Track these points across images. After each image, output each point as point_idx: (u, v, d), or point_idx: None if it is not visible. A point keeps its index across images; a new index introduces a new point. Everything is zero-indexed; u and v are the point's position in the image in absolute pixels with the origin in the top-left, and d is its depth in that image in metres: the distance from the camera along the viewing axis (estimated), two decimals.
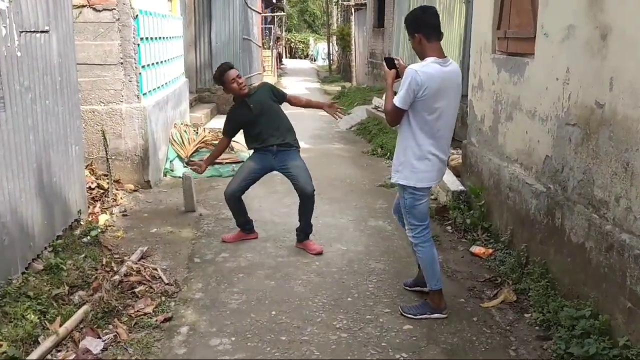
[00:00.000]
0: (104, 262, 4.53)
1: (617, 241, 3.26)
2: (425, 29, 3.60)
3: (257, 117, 4.99)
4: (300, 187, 4.95)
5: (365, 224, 5.77)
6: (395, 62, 3.88)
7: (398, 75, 3.80)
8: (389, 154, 8.84)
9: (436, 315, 3.89)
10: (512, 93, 4.90)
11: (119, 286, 4.15)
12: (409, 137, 3.67)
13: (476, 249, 4.99)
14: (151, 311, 3.90)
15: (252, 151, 5.20)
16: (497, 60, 5.26)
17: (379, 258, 4.90)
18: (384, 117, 3.89)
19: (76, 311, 3.67)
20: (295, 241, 5.16)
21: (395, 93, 3.67)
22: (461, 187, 5.95)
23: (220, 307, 4.02)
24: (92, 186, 6.15)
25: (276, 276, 4.52)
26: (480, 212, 5.39)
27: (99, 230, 5.06)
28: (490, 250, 4.92)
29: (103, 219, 5.58)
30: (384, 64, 3.91)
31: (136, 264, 4.61)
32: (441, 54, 3.64)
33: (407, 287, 4.32)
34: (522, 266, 4.45)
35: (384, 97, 3.82)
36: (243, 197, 5.17)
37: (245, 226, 5.34)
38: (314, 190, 4.98)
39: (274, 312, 3.93)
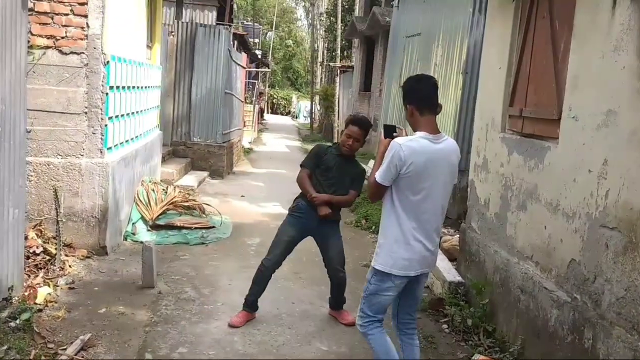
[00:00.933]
0: (32, 356, 3.70)
1: None
2: (418, 100, 3.27)
3: (333, 172, 4.64)
4: (331, 271, 4.79)
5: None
6: (397, 131, 3.35)
7: None
8: (374, 227, 8.17)
9: None
10: (526, 179, 4.30)
11: None
12: (390, 218, 3.27)
13: (480, 358, 4.26)
14: None
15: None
16: (509, 140, 4.68)
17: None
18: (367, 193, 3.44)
19: None
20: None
21: None
22: (459, 278, 5.27)
23: None
24: (37, 251, 5.33)
25: None
26: (482, 311, 4.69)
27: (34, 311, 4.22)
28: None
29: (44, 292, 4.74)
30: (382, 130, 3.40)
31: (72, 359, 3.78)
32: (434, 129, 3.26)
33: None
34: None
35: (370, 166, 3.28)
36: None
37: (254, 306, 4.77)
38: (344, 273, 4.80)
39: None
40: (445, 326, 4.89)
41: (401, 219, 3.23)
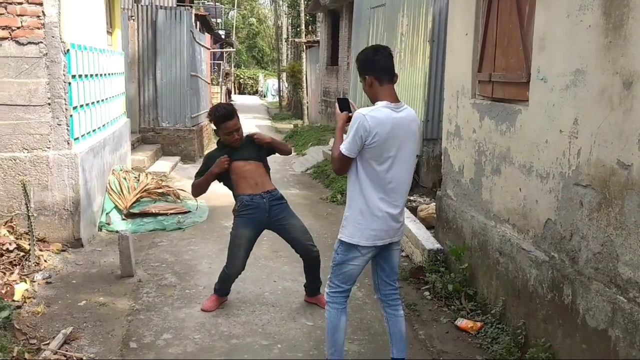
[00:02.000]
0: (14, 354, 3.64)
1: None
2: (377, 70, 3.26)
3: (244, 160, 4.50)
4: (302, 250, 4.54)
5: None
6: (350, 104, 3.39)
7: (350, 119, 3.28)
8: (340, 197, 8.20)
9: None
10: (499, 143, 4.33)
11: None
12: (355, 189, 3.26)
13: (463, 323, 4.33)
14: None
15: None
16: (479, 105, 4.70)
17: (352, 337, 4.16)
18: (331, 164, 3.39)
19: None
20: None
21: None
22: (438, 245, 5.32)
23: None
24: (10, 248, 5.23)
25: None
26: (463, 276, 4.75)
27: (12, 309, 4.14)
28: (479, 324, 4.27)
29: (21, 289, 4.66)
30: (337, 104, 3.44)
31: (56, 353, 3.74)
32: (394, 98, 3.27)
33: None
34: (521, 347, 3.80)
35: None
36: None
37: (226, 293, 4.71)
38: (318, 251, 4.57)
39: None
40: (427, 293, 4.94)
41: (366, 190, 3.23)
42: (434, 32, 7.76)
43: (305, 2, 22.99)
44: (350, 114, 3.30)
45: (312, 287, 4.70)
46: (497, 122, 4.35)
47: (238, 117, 4.49)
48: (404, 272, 5.37)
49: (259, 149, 4.58)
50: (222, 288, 4.63)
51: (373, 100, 3.30)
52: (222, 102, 25.91)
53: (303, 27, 22.76)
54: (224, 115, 4.42)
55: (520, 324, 3.85)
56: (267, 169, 4.65)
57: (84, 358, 3.72)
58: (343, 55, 15.12)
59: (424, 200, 7.44)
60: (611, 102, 3.02)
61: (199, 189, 4.58)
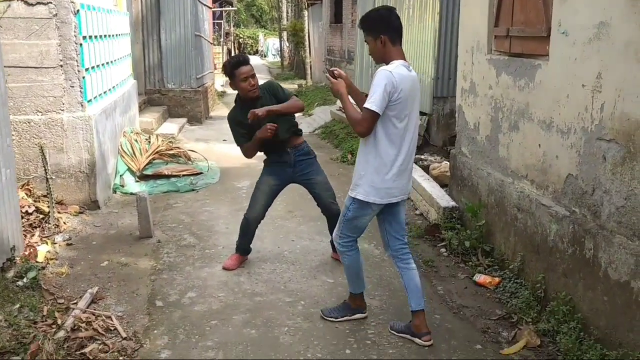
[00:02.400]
0: (45, 312, 3.72)
1: None
2: (391, 31, 3.34)
3: (263, 124, 4.31)
4: (323, 206, 4.63)
5: None
6: (335, 73, 3.50)
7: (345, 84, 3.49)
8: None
9: (357, 315, 3.82)
10: (517, 99, 4.32)
11: (65, 346, 3.36)
12: (372, 148, 3.35)
13: (481, 278, 4.40)
14: None
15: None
16: (496, 61, 4.67)
17: (373, 293, 4.23)
18: (353, 126, 3.40)
19: None
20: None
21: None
22: (453, 203, 5.36)
23: None
24: (30, 210, 5.27)
25: (256, 322, 3.79)
26: (479, 233, 4.80)
27: (38, 269, 4.21)
28: (497, 280, 4.34)
29: (43, 251, 4.72)
30: (328, 75, 3.52)
31: (85, 312, 3.81)
32: (404, 58, 3.40)
33: (394, 332, 3.68)
34: (540, 301, 3.87)
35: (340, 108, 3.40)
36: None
37: (247, 251, 4.77)
38: (339, 209, 4.40)
39: None
40: (443, 250, 5.01)
41: (382, 149, 3.31)
42: None
43: None
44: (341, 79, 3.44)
45: None
46: (515, 78, 4.33)
47: (252, 67, 4.37)
48: (419, 230, 5.43)
49: (280, 101, 4.40)
50: (243, 241, 4.67)
51: (383, 59, 3.36)
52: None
53: None
54: (237, 61, 4.31)
55: (539, 278, 3.91)
56: (293, 121, 4.54)
57: (113, 316, 3.80)
58: (347, 13, 14.90)
59: (435, 159, 7.47)
60: (637, 55, 3.00)
61: (249, 153, 4.50)
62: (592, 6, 3.38)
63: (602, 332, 3.29)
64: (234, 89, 4.43)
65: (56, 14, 5.49)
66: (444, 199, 5.47)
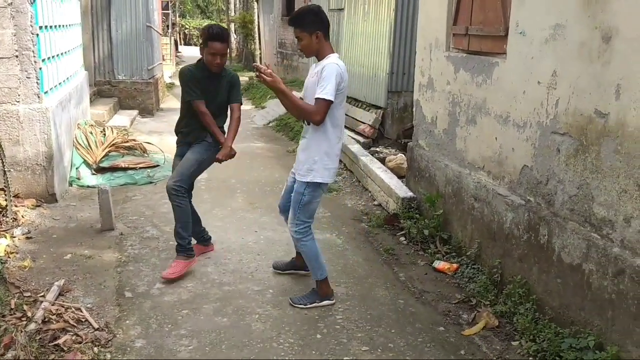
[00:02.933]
0: (12, 305, 3.69)
1: (631, 266, 2.95)
2: (324, 27, 3.69)
3: (209, 95, 4.31)
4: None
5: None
6: (263, 70, 3.61)
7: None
8: None
9: (325, 302, 3.97)
10: (475, 95, 4.54)
11: (38, 338, 3.36)
12: (322, 134, 3.70)
13: (440, 265, 4.61)
14: None
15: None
16: (454, 58, 4.88)
17: (339, 280, 4.38)
18: (309, 116, 3.68)
19: None
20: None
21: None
22: (411, 194, 5.56)
23: (169, 357, 3.34)
24: None
25: (227, 311, 3.88)
26: (437, 222, 5.01)
27: (2, 263, 4.16)
28: (455, 266, 4.56)
29: (3, 244, 4.65)
30: (259, 72, 3.62)
31: (54, 304, 3.80)
32: (334, 51, 3.79)
33: (278, 271, 4.41)
34: (497, 285, 4.11)
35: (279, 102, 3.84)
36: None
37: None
38: (176, 186, 4.24)
39: None
40: (402, 239, 5.20)
41: (330, 134, 3.71)
42: None
43: None
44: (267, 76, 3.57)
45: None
46: (473, 74, 4.55)
47: (229, 45, 4.30)
48: (379, 219, 5.61)
49: (228, 92, 4.38)
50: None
51: (315, 53, 3.70)
52: (174, 51, 25.26)
53: None
54: (217, 34, 4.17)
55: (495, 263, 4.15)
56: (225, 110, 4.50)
57: (83, 308, 3.80)
58: (300, 5, 14.95)
59: (390, 152, 7.67)
60: (590, 55, 3.24)
61: (201, 107, 4.33)
62: (549, 9, 3.60)
63: (555, 312, 3.54)
64: (201, 55, 4.32)
65: (11, 3, 5.37)
66: (402, 190, 5.66)
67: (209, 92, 4.32)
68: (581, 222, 3.36)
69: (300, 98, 3.81)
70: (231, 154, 4.39)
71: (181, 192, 4.28)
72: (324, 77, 3.54)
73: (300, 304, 3.94)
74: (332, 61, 3.60)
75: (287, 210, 4.00)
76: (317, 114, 3.58)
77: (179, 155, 4.51)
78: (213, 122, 4.36)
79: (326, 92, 3.52)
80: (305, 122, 3.79)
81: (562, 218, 3.51)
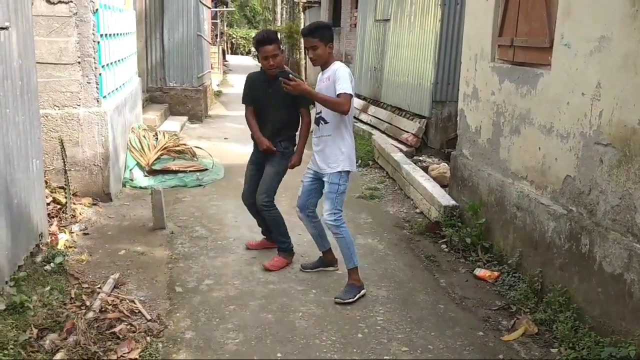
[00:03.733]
0: (72, 295, 3.94)
1: None
2: (333, 40, 4.23)
3: (268, 101, 4.60)
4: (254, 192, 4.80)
5: (355, 243, 5.32)
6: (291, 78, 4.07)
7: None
8: (360, 160, 8.46)
9: (363, 291, 4.26)
10: (519, 105, 4.60)
11: (96, 325, 3.58)
12: (344, 129, 4.18)
13: (481, 272, 4.67)
14: (137, 356, 3.35)
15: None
16: (499, 69, 4.95)
17: (379, 284, 4.50)
18: (338, 107, 4.06)
19: None
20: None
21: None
22: (453, 202, 5.63)
23: (217, 348, 3.51)
24: (48, 201, 5.46)
25: (272, 308, 4.04)
26: (479, 230, 5.07)
27: (64, 255, 4.42)
28: (496, 274, 4.61)
29: (62, 239, 4.93)
30: (283, 79, 4.04)
31: (110, 295, 4.03)
32: None
33: (307, 270, 4.66)
34: (537, 293, 4.15)
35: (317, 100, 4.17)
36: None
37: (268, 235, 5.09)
38: (265, 202, 4.66)
39: (279, 355, 3.47)
40: (444, 246, 5.28)
41: (349, 127, 4.21)
42: None
43: None
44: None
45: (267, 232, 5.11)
46: (518, 85, 4.61)
47: (279, 45, 4.50)
48: (421, 226, 5.70)
49: (294, 98, 4.41)
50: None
51: (324, 61, 4.15)
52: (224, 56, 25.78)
53: None
54: (261, 39, 4.44)
55: (536, 272, 4.19)
56: (290, 130, 4.72)
57: (136, 300, 4.02)
58: (346, 17, 15.17)
59: (433, 160, 7.75)
60: (635, 67, 3.29)
61: (247, 114, 4.77)
62: (594, 21, 3.66)
63: (596, 321, 3.57)
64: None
65: (76, 13, 5.70)
66: (444, 198, 5.74)
67: (268, 97, 4.57)
68: (623, 232, 3.39)
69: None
70: (299, 160, 4.71)
71: (270, 205, 4.70)
72: (339, 77, 4.01)
73: (348, 299, 4.13)
74: (342, 65, 4.11)
75: (307, 208, 4.45)
76: (345, 104, 4.01)
77: (252, 161, 4.84)
78: (256, 128, 4.69)
79: (346, 87, 3.97)
80: (322, 122, 4.19)
81: (603, 228, 3.55)
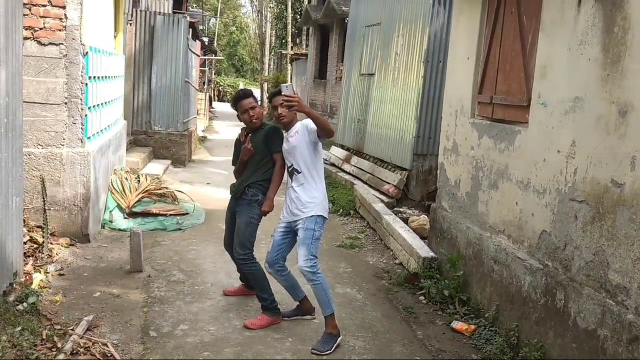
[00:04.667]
0: (44, 336, 3.86)
1: None
2: None
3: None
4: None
5: (333, 292, 5.32)
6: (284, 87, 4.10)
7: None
8: (341, 210, 8.52)
9: (339, 339, 4.23)
10: (497, 160, 4.71)
11: None
12: (316, 178, 4.31)
13: (458, 325, 4.67)
14: None
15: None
16: (479, 125, 5.09)
17: (357, 334, 4.47)
18: (330, 129, 4.25)
19: None
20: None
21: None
22: (432, 254, 5.67)
23: None
24: (25, 239, 5.40)
25: (247, 355, 3.99)
26: (457, 282, 5.10)
27: (37, 295, 4.35)
28: (473, 327, 4.62)
29: (37, 279, 4.85)
30: (285, 94, 4.03)
31: (83, 338, 3.96)
32: None
33: (285, 318, 4.60)
34: (513, 347, 4.16)
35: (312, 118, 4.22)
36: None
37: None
38: (241, 255, 4.57)
39: None
40: (422, 298, 5.28)
41: (321, 176, 4.35)
42: (429, 53, 8.18)
43: (292, 15, 23.37)
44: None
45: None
46: (496, 141, 4.73)
47: (255, 98, 4.67)
48: (399, 277, 5.71)
49: (265, 145, 4.54)
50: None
51: (290, 121, 4.32)
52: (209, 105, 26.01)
53: (290, 39, 23.12)
54: (238, 96, 4.64)
55: (513, 326, 4.21)
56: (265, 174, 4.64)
57: (109, 343, 3.95)
58: (332, 70, 15.50)
59: (413, 212, 7.81)
60: (607, 127, 3.41)
61: (235, 169, 4.85)
62: (569, 82, 3.81)
63: None
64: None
65: (66, 55, 5.78)
66: (423, 250, 5.77)
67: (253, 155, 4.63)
68: (597, 287, 3.44)
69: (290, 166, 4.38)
70: (271, 206, 4.64)
71: (247, 259, 4.58)
72: (310, 123, 4.17)
73: (325, 351, 4.09)
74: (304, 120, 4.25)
75: (276, 263, 4.44)
76: (331, 130, 4.25)
77: (229, 208, 4.84)
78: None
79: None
80: (295, 173, 4.29)
81: (578, 283, 3.60)
